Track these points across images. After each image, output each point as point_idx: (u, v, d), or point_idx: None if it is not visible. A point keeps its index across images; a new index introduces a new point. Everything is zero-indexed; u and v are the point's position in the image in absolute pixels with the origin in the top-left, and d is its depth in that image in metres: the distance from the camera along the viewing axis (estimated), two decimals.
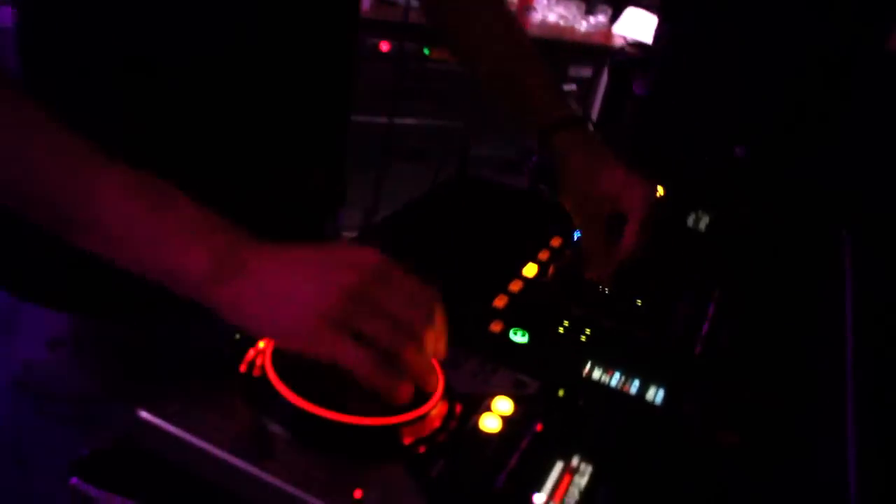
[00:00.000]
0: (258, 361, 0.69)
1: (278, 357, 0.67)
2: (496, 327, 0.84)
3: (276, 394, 0.64)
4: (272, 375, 0.65)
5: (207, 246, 0.63)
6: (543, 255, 1.02)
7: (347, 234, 1.30)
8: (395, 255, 0.71)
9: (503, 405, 0.71)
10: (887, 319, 1.04)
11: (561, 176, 1.00)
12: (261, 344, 0.70)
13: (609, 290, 0.96)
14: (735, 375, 0.86)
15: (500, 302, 0.89)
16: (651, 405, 0.78)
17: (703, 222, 1.24)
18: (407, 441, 0.64)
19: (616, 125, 2.17)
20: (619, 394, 0.79)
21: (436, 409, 0.67)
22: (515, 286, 0.93)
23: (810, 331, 1.01)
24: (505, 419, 0.70)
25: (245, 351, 0.70)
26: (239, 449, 0.60)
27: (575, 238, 1.08)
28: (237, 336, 0.72)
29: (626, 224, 0.96)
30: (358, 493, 0.58)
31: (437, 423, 0.67)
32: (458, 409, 0.69)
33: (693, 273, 1.06)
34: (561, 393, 0.75)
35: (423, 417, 0.65)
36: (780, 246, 1.23)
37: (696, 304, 0.99)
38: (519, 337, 0.84)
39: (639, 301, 0.97)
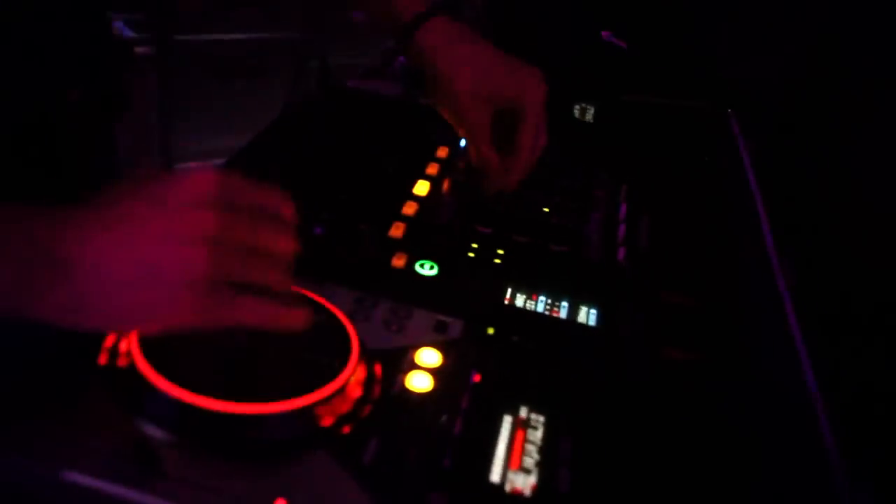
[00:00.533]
0: (122, 347, 0.54)
1: (147, 337, 0.53)
2: (399, 262, 0.72)
3: (152, 387, 0.50)
4: (142, 363, 0.51)
5: (5, 257, 0.47)
6: (432, 170, 0.90)
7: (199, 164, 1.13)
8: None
9: (429, 357, 0.60)
10: (792, 195, 0.99)
11: (433, 78, 0.84)
12: None
13: (512, 202, 0.85)
14: (663, 280, 0.78)
15: (396, 231, 0.77)
16: (586, 328, 0.69)
17: (590, 113, 1.15)
18: (326, 422, 0.52)
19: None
20: (550, 320, 0.69)
21: (353, 375, 0.55)
22: (409, 209, 0.81)
23: (723, 216, 0.94)
24: (435, 374, 0.58)
25: (102, 336, 0.55)
26: (114, 471, 0.46)
27: (462, 144, 0.96)
28: None
29: (521, 123, 0.83)
30: (280, 503, 0.46)
31: (358, 393, 0.55)
32: (378, 370, 0.58)
33: (593, 167, 0.97)
34: (491, 331, 0.65)
35: (341, 390, 0.53)
36: (669, 130, 1.16)
37: (607, 204, 0.90)
38: (427, 270, 0.72)
39: (546, 208, 0.87)
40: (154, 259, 0.48)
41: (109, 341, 0.55)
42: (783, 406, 0.66)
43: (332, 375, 0.53)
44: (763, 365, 0.71)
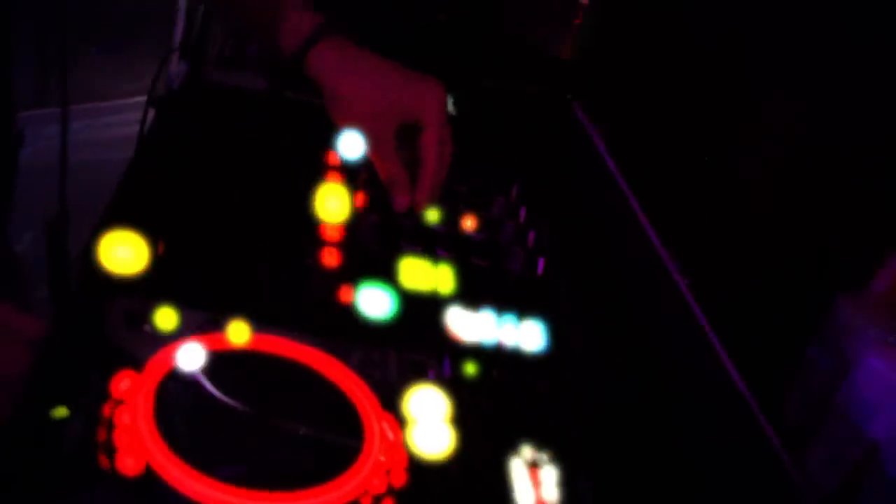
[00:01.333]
0: (119, 438, 0.48)
1: (164, 427, 0.47)
2: (347, 297, 0.69)
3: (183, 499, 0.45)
4: (161, 466, 0.46)
5: None
6: (334, 179, 0.86)
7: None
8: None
9: (429, 406, 0.59)
10: (655, 182, 1.05)
11: (331, 100, 0.82)
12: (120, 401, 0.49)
13: (423, 216, 0.83)
14: (576, 289, 0.81)
15: (331, 259, 0.73)
16: (539, 355, 0.71)
17: (449, 103, 1.14)
18: None
19: None
20: (501, 349, 0.70)
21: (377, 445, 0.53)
22: (333, 231, 0.77)
23: (599, 208, 0.99)
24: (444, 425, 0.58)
25: (93, 426, 0.48)
26: None
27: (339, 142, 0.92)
28: (61, 411, 0.49)
29: (423, 134, 0.82)
30: None
31: (386, 465, 0.53)
32: (396, 428, 0.56)
33: (478, 164, 0.98)
34: (471, 368, 0.64)
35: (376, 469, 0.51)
36: (520, 118, 1.18)
37: (507, 207, 0.91)
38: None
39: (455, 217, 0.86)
40: None
41: (102, 435, 0.48)
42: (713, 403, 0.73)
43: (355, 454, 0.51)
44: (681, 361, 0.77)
